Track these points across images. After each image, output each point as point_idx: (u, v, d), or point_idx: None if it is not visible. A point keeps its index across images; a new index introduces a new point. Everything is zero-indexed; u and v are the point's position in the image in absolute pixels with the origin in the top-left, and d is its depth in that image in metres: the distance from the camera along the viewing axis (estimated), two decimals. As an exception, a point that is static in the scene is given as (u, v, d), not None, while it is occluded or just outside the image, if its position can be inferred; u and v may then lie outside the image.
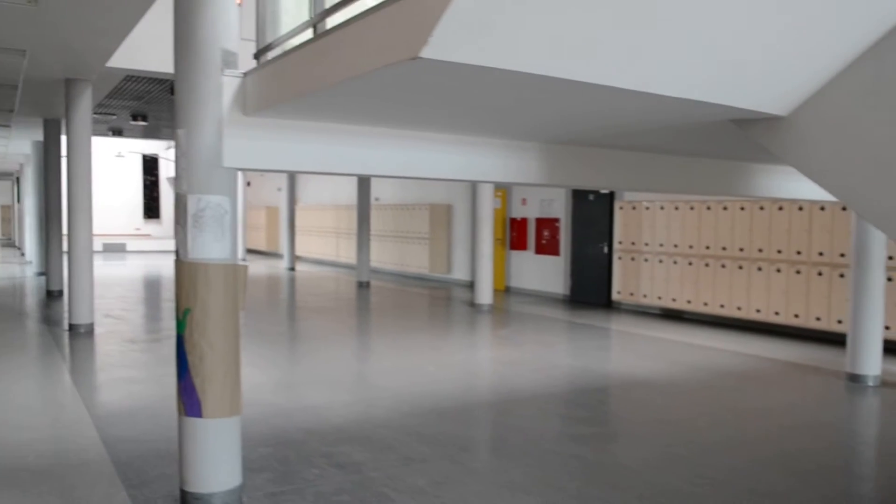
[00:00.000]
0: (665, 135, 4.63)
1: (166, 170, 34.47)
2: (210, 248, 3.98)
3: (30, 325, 10.78)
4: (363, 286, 17.37)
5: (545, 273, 15.93)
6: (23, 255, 25.78)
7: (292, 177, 22.17)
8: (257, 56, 4.33)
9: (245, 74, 4.02)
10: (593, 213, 14.65)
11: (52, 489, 4.49)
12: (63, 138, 15.08)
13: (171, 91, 11.48)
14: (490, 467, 5.06)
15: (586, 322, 12.02)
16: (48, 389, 7.07)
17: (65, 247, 15.02)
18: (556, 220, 15.56)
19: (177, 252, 4.09)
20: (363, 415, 6.26)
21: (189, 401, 4.05)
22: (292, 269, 21.96)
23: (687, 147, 5.35)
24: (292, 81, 3.58)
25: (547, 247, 15.84)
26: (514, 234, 16.61)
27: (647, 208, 12.98)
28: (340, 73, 3.02)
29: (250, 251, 29.10)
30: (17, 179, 30.47)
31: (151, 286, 17.65)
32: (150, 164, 34.22)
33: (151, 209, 34.39)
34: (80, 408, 6.30)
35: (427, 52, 2.39)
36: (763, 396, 7.20)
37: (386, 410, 6.41)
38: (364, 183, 17.70)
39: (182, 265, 4.02)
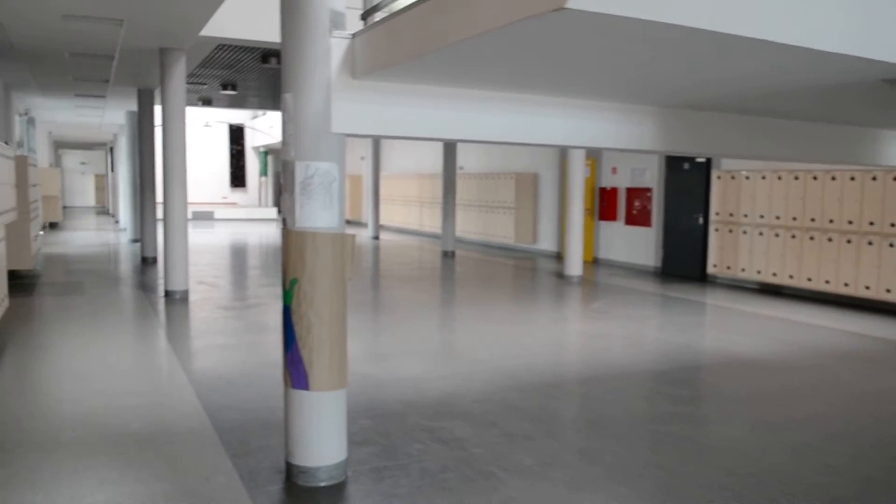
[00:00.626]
0: (803, 98, 4.27)
1: (252, 139, 35.01)
2: (318, 216, 3.85)
3: (127, 292, 11.03)
4: (448, 256, 17.26)
5: (635, 244, 15.50)
6: (117, 222, 26.60)
7: (376, 145, 22.15)
8: (365, 16, 4.15)
9: (354, 35, 3.85)
10: (688, 182, 14.12)
11: (158, 457, 4.49)
12: (157, 108, 15.35)
13: (263, 59, 11.49)
14: (596, 447, 4.85)
15: (680, 296, 11.62)
16: (148, 356, 7.17)
17: (158, 215, 15.38)
18: (649, 189, 15.08)
19: (284, 220, 3.98)
20: (461, 388, 6.12)
21: (296, 373, 3.96)
22: (376, 237, 22.02)
23: (822, 111, 4.96)
24: (408, 41, 3.40)
25: (638, 217, 15.38)
26: (604, 204, 16.20)
27: (748, 178, 12.42)
28: (466, 30, 2.81)
29: (334, 220, 29.35)
30: (111, 149, 31.41)
31: (240, 254, 17.94)
32: (236, 134, 34.81)
33: (237, 178, 35.04)
34: (180, 374, 6.35)
35: (574, 3, 2.16)
36: (876, 378, 6.76)
37: (484, 384, 6.26)
38: (450, 151, 17.51)
39: (289, 234, 3.91)
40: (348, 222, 29.30)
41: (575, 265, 13.32)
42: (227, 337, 7.94)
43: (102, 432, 4.88)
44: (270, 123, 31.25)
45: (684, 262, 14.15)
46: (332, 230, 3.90)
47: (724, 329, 8.97)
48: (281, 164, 3.95)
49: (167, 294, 10.41)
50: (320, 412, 4.01)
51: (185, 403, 5.56)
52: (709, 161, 13.63)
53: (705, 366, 7.11)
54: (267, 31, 9.81)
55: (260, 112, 32.77)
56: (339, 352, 4.01)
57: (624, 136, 4.67)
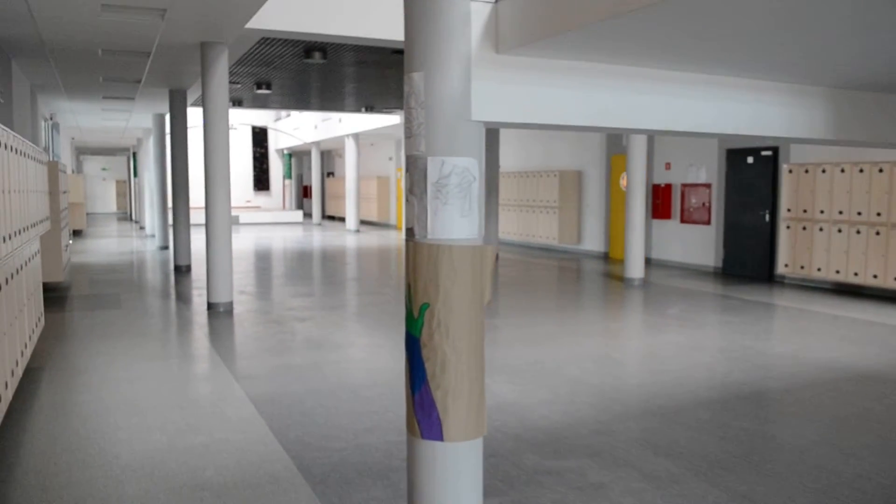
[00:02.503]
0: None
1: (275, 141, 34.37)
2: (455, 225, 3.09)
3: (165, 304, 10.33)
4: (491, 259, 16.46)
5: (692, 244, 14.66)
6: (142, 228, 26.00)
7: (410, 145, 21.38)
8: (502, -23, 3.37)
9: (497, 0, 3.08)
10: (752, 177, 13.28)
11: (247, 515, 3.74)
12: (189, 109, 14.66)
13: (306, 54, 10.74)
14: (760, 491, 4.05)
15: (756, 298, 10.79)
16: (204, 381, 6.43)
17: (191, 220, 14.69)
18: (707, 185, 14.24)
19: (409, 231, 3.21)
20: (570, 415, 5.34)
21: (426, 420, 3.19)
22: (411, 240, 21.24)
23: None
24: (576, 4, 2.63)
25: (695, 215, 14.54)
26: (657, 201, 15.36)
27: (824, 171, 11.56)
28: None
29: (363, 222, 28.65)
30: (134, 154, 30.83)
31: (273, 260, 17.24)
32: (260, 136, 34.19)
33: (261, 181, 34.43)
34: (246, 403, 5.60)
35: None
36: None
37: (593, 409, 5.48)
38: (491, 148, 16.73)
39: (419, 248, 3.14)
40: (375, 224, 28.61)
41: (636, 267, 12.50)
42: (286, 356, 7.20)
43: (172, 484, 4.13)
44: (295, 125, 30.58)
45: (749, 262, 13.31)
46: (471, 242, 3.13)
47: (824, 336, 8.14)
48: (405, 162, 3.18)
49: (210, 306, 9.69)
50: (457, 466, 3.24)
51: (259, 442, 4.81)
52: (776, 154, 12.79)
53: (828, 381, 6.29)
54: (316, 21, 9.08)
55: (284, 113, 32.14)
56: (478, 392, 3.25)
57: (798, 124, 3.87)
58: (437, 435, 3.18)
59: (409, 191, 3.17)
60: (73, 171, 27.69)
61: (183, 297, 10.86)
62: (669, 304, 10.37)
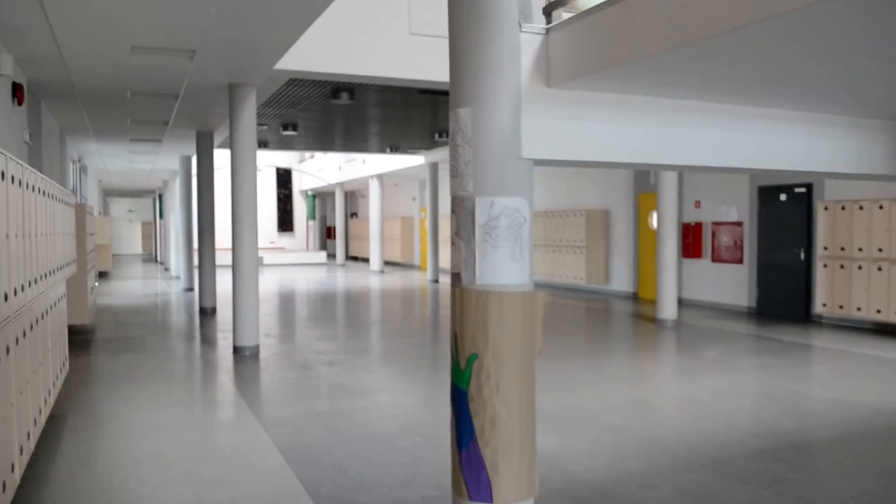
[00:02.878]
0: None
1: (299, 183, 34.50)
2: (505, 269, 2.90)
3: (190, 348, 10.17)
4: (518, 299, 16.22)
5: (724, 283, 14.35)
6: (167, 270, 26.04)
7: (435, 184, 21.30)
8: (550, 9, 3.21)
9: (548, 31, 2.92)
10: (786, 214, 13.00)
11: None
12: (215, 151, 14.67)
13: (333, 95, 10.70)
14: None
15: (794, 339, 10.46)
16: (231, 429, 6.23)
17: (217, 262, 14.62)
18: (739, 223, 13.97)
19: (454, 276, 3.02)
20: (616, 468, 5.07)
21: (475, 481, 2.96)
22: (436, 280, 21.07)
23: None
24: (638, 34, 2.46)
25: (727, 254, 14.25)
26: (688, 240, 15.08)
27: (861, 208, 11.27)
28: (738, 16, 1.87)
29: (386, 262, 28.53)
30: (159, 196, 31.05)
31: (298, 302, 17.11)
32: (284, 178, 34.35)
33: (285, 222, 34.51)
34: (274, 453, 5.38)
35: None
36: None
37: (639, 461, 5.20)
38: (518, 189, 16.56)
39: (466, 295, 2.94)
40: (399, 265, 28.48)
41: (669, 308, 12.21)
42: (314, 402, 6.98)
43: (202, 541, 3.91)
44: (319, 166, 30.70)
45: (784, 302, 12.97)
46: (522, 288, 2.93)
47: (869, 379, 7.80)
48: (452, 203, 3.00)
49: (236, 350, 9.52)
50: (506, 531, 3.00)
51: (289, 495, 4.59)
52: (810, 191, 12.52)
53: (882, 428, 5.97)
54: (344, 62, 9.02)
55: (308, 155, 32.32)
56: (530, 450, 3.02)
57: (863, 159, 3.66)
58: (487, 496, 2.96)
59: (456, 233, 2.99)
60: (99, 213, 27.90)
61: (208, 341, 10.71)
62: (705, 346, 10.06)
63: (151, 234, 38.95)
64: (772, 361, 8.91)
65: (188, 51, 7.61)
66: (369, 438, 5.74)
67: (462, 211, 2.94)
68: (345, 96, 10.84)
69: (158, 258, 32.00)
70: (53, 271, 6.30)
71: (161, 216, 29.96)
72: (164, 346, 10.06)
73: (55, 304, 6.55)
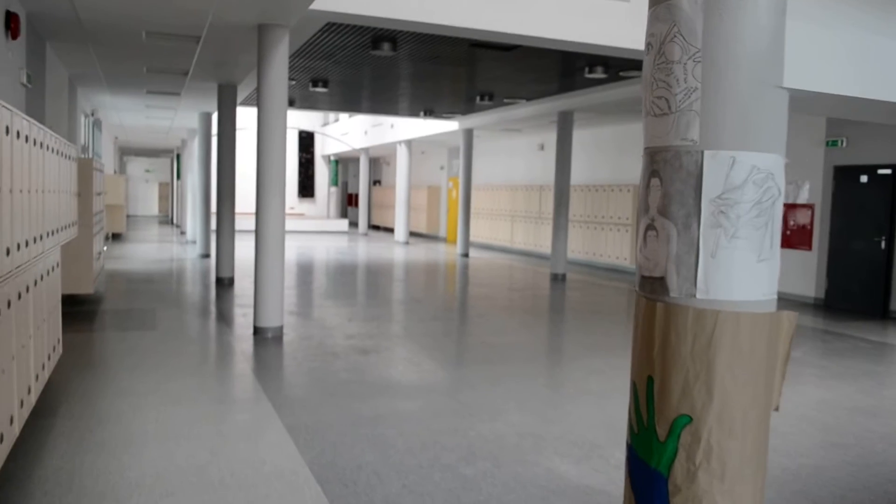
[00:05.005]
0: None
1: (322, 147, 33.29)
2: (748, 275, 1.71)
3: (206, 326, 9.05)
4: (558, 279, 15.02)
5: (787, 270, 13.06)
6: (182, 233, 24.98)
7: (468, 151, 20.02)
8: None
9: None
10: (866, 198, 11.69)
11: None
12: (238, 109, 13.47)
13: (373, 45, 9.46)
14: None
15: (882, 339, 9.22)
16: (253, 441, 5.06)
17: (236, 227, 13.47)
18: (809, 206, 12.66)
19: (646, 283, 1.82)
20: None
21: None
22: (466, 255, 19.87)
23: None
24: None
25: (793, 238, 12.96)
26: (750, 222, 13.78)
27: (963, 194, 9.96)
28: None
29: (411, 233, 27.36)
30: (177, 156, 29.95)
31: (321, 273, 15.98)
32: (306, 141, 33.13)
33: (306, 188, 33.36)
34: (308, 482, 4.23)
35: None
36: None
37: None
38: (563, 159, 15.30)
39: (675, 315, 1.76)
40: (424, 236, 27.34)
41: (736, 298, 10.96)
42: (353, 404, 5.82)
43: None
44: (343, 130, 29.45)
45: (858, 295, 11.71)
46: (766, 306, 1.73)
47: None
48: (649, 160, 1.79)
49: (256, 331, 8.39)
50: None
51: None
52: (895, 172, 11.20)
53: None
54: (391, 4, 7.78)
55: (332, 118, 31.07)
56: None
57: None
58: None
59: (658, 211, 1.79)
60: (114, 172, 26.83)
61: (225, 318, 9.58)
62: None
63: (168, 196, 37.92)
64: (874, 368, 7.69)
65: (212, -22, 6.40)
66: (426, 461, 4.58)
67: (675, 174, 1.75)
68: (386, 47, 9.58)
69: (175, 221, 30.96)
70: (42, 236, 5.16)
71: (178, 177, 28.86)
72: (176, 323, 8.95)
73: (45, 275, 5.41)
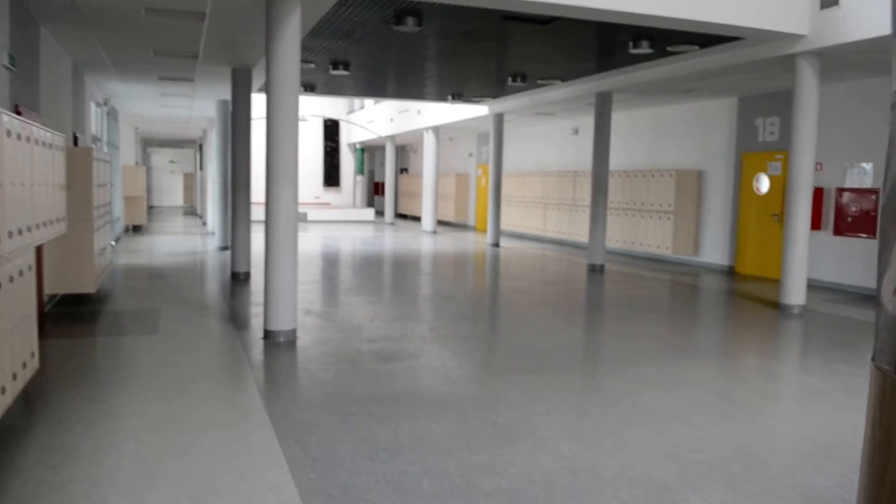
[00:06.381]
0: None
1: (347, 135, 32.52)
2: None
3: (213, 328, 8.27)
4: (596, 270, 14.09)
5: (849, 261, 12.03)
6: (204, 224, 24.38)
7: (499, 138, 19.08)
8: None
9: None
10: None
11: None
12: (254, 97, 12.67)
13: (396, 20, 8.57)
14: None
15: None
16: (246, 480, 4.23)
17: (253, 217, 12.69)
18: (873, 191, 11.61)
19: (881, 355, 0.93)
20: None
21: None
22: (496, 244, 18.97)
23: None
24: None
25: (855, 226, 11.91)
26: (805, 209, 12.72)
27: None
28: None
29: (439, 222, 26.52)
30: (200, 147, 29.36)
31: (345, 266, 15.19)
32: (331, 129, 32.38)
33: (331, 176, 32.63)
34: (313, 532, 3.40)
35: None
36: None
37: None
38: (601, 144, 14.33)
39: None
40: (452, 225, 26.50)
41: (797, 291, 10.02)
42: (369, 426, 4.97)
43: None
44: (369, 118, 28.63)
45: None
46: None
47: None
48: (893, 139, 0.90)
49: (266, 335, 7.59)
50: None
51: None
52: (974, 153, 10.10)
53: None
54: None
55: (357, 105, 30.28)
56: None
57: None
58: None
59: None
60: (136, 163, 26.27)
61: (236, 318, 8.81)
62: (866, 348, 7.85)
63: (192, 187, 37.43)
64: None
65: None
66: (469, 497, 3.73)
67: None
68: (411, 22, 8.68)
69: (198, 211, 30.40)
70: (4, 236, 4.37)
71: (201, 167, 28.28)
72: (180, 326, 8.18)
73: (11, 279, 4.63)
